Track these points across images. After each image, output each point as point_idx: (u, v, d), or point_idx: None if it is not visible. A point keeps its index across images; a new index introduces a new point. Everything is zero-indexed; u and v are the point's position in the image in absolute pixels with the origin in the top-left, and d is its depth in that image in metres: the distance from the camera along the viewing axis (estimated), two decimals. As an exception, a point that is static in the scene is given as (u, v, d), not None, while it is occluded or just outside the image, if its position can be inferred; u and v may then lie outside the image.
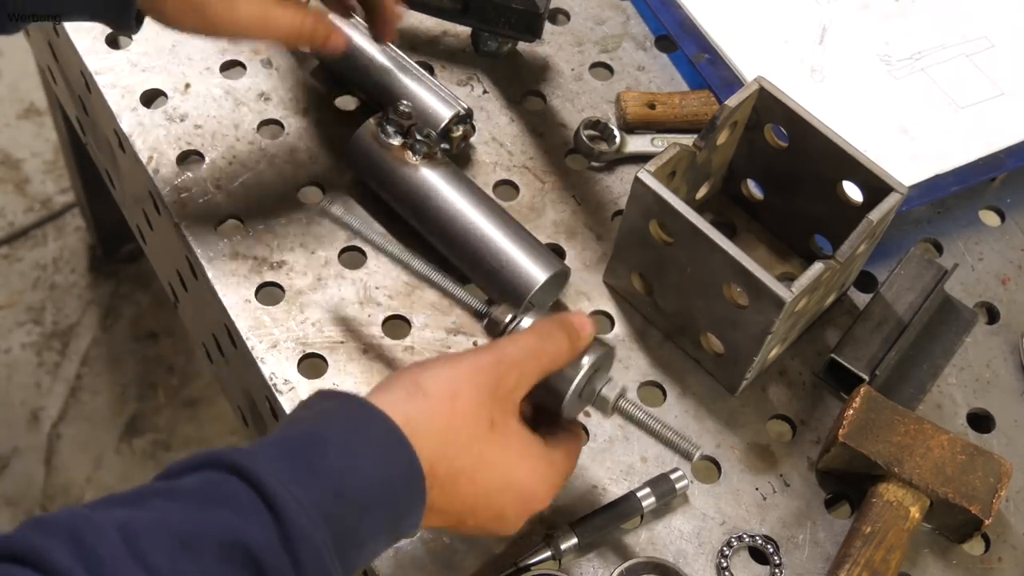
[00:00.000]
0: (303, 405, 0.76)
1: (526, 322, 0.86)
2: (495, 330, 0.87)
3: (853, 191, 0.99)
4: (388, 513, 0.71)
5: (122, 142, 1.11)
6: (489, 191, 1.08)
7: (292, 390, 0.96)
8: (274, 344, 0.98)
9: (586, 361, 0.84)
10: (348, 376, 0.97)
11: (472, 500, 0.78)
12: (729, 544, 0.94)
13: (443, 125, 1.05)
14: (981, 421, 1.03)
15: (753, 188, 1.09)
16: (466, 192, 1.02)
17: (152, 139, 1.08)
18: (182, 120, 1.09)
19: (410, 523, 0.74)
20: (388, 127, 1.02)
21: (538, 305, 0.99)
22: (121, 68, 1.12)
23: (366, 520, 0.70)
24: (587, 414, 0.98)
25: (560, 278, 1.01)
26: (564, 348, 0.82)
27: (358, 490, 0.69)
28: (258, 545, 0.64)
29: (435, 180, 1.02)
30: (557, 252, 1.07)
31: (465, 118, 1.06)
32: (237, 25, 0.88)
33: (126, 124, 1.09)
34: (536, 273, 0.99)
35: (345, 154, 1.05)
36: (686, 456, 0.85)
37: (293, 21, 0.90)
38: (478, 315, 0.89)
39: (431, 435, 0.74)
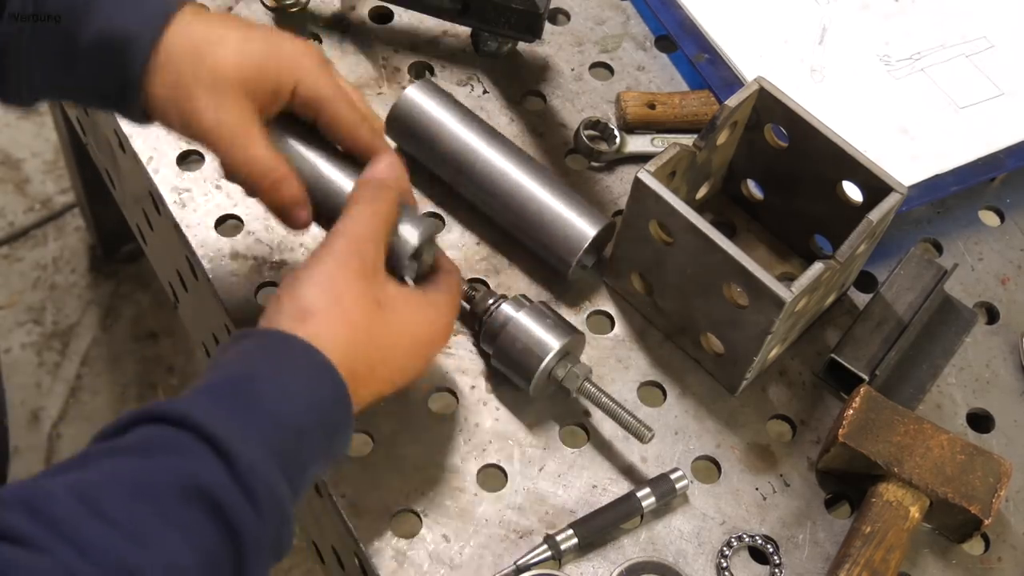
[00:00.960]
0: (222, 350, 0.77)
1: (505, 306, 0.96)
2: (480, 307, 0.97)
3: (853, 191, 0.99)
4: (323, 433, 0.74)
5: (122, 142, 1.11)
6: (489, 191, 1.09)
7: (292, 390, 0.96)
8: (274, 344, 0.98)
9: (556, 344, 0.93)
10: (348, 376, 0.98)
11: (387, 374, 0.81)
12: (729, 544, 0.94)
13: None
14: (981, 421, 1.03)
15: (753, 188, 1.09)
16: (510, 151, 1.04)
17: (152, 139, 1.08)
18: (182, 120, 1.09)
19: (343, 440, 0.78)
20: None
21: (585, 262, 1.03)
22: (121, 68, 1.12)
23: (305, 444, 0.72)
24: (587, 413, 0.98)
25: (608, 231, 1.03)
26: (391, 198, 0.83)
27: (293, 416, 0.72)
28: (210, 483, 0.66)
29: (481, 139, 1.03)
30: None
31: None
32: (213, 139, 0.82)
33: (126, 124, 1.08)
34: (586, 228, 1.00)
35: (387, 121, 1.04)
36: (639, 438, 0.94)
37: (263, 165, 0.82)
38: (467, 298, 0.98)
39: (339, 347, 0.76)
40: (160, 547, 0.63)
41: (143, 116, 0.83)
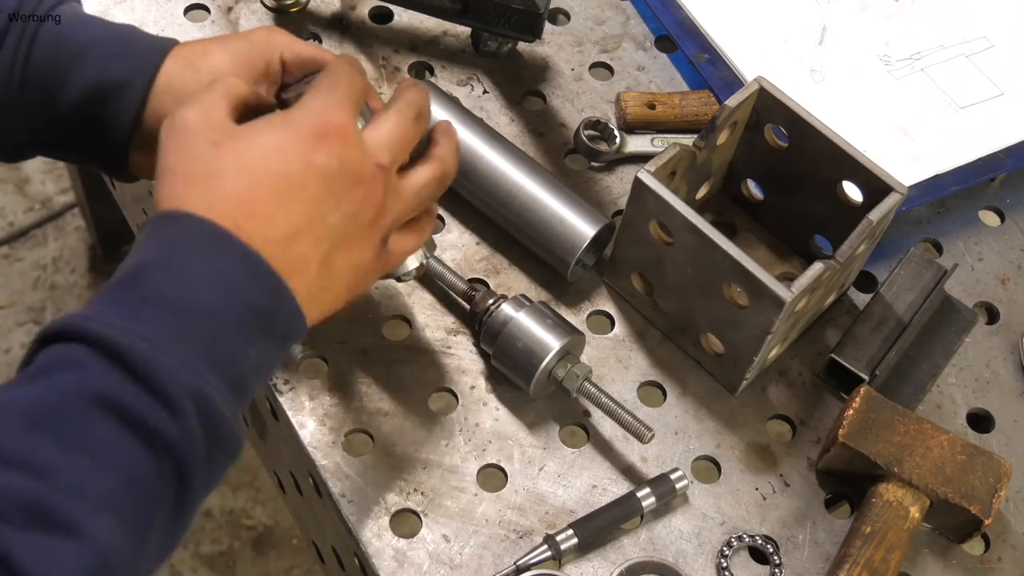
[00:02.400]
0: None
1: (505, 306, 0.96)
2: (480, 308, 0.97)
3: (853, 191, 0.99)
4: (248, 314, 0.68)
5: (122, 142, 1.11)
6: (489, 191, 1.09)
7: (292, 390, 0.96)
8: (274, 344, 0.98)
9: (556, 344, 0.94)
10: (348, 376, 0.98)
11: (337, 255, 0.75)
12: (729, 544, 0.94)
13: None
14: (981, 421, 1.03)
15: (753, 188, 1.09)
16: (510, 151, 1.04)
17: (152, 139, 1.08)
18: (182, 120, 1.09)
19: (288, 323, 0.70)
20: None
21: (585, 262, 1.04)
22: (121, 68, 1.12)
23: (222, 326, 0.66)
24: (587, 413, 0.98)
25: (608, 231, 1.03)
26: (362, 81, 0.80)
27: (196, 299, 0.66)
28: (109, 391, 0.61)
29: (481, 140, 1.04)
30: (557, 252, 1.07)
31: None
32: None
33: (126, 124, 1.08)
34: (585, 228, 1.01)
35: None
36: (639, 438, 0.94)
37: None
38: (467, 298, 0.99)
39: (259, 220, 0.70)
40: (70, 477, 0.58)
41: (127, 170, 0.85)
